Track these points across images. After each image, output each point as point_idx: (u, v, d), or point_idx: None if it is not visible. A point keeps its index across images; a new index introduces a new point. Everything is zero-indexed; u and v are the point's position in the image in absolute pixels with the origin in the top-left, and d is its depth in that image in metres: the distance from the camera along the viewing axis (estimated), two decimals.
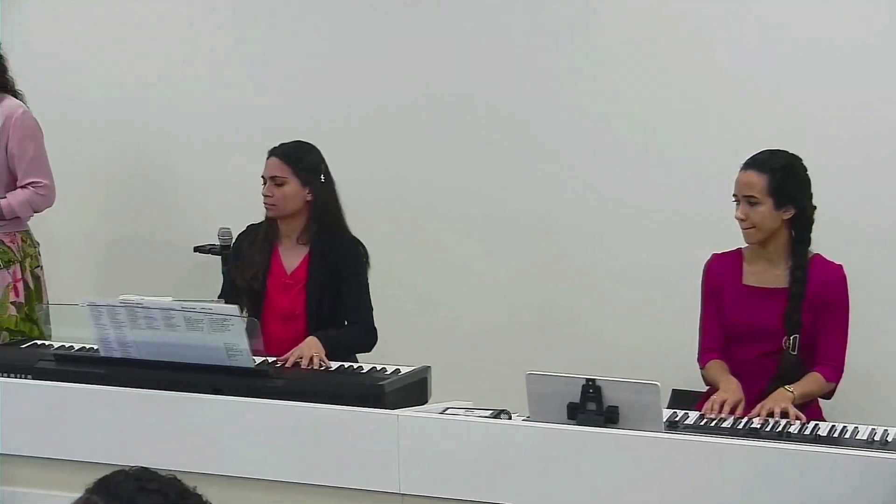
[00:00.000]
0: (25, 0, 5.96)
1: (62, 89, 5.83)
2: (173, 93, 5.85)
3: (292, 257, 4.56)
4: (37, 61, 5.61)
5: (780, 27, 4.99)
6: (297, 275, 4.53)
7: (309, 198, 4.52)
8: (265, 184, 4.52)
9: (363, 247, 4.58)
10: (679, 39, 5.13)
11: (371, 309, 4.54)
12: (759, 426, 3.60)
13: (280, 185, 4.48)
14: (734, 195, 4.04)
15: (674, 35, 5.14)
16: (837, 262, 4.07)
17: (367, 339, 4.50)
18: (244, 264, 4.56)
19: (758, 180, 3.98)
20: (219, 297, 4.63)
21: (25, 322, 4.92)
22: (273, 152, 4.55)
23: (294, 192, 4.50)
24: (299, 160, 4.52)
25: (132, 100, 5.91)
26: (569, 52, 5.29)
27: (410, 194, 5.54)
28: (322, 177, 4.55)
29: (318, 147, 4.62)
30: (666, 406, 3.81)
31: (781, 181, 3.98)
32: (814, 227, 4.06)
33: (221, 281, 4.77)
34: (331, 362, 4.15)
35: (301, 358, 4.14)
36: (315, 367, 4.10)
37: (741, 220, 4.01)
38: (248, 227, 4.68)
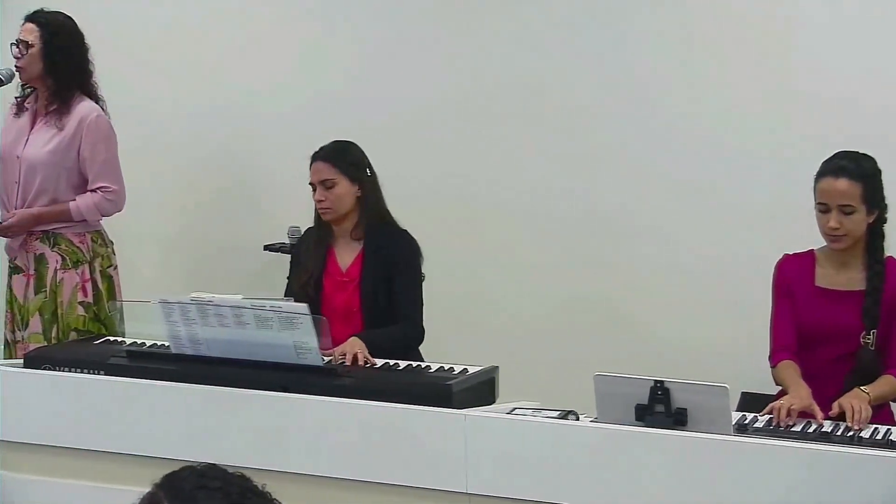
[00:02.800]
0: (105, 1, 6.04)
1: (137, 90, 5.89)
2: (245, 94, 5.90)
3: (347, 255, 4.57)
4: (113, 61, 5.66)
5: (857, 27, 4.94)
6: (352, 272, 4.54)
7: (359, 194, 4.53)
8: (314, 190, 4.53)
9: (414, 240, 4.56)
10: (751, 35, 5.11)
11: (421, 306, 4.52)
12: (829, 430, 3.56)
13: (330, 187, 4.49)
14: (822, 203, 3.93)
15: (744, 30, 5.11)
16: None
17: (413, 337, 4.49)
18: (300, 270, 4.59)
19: (853, 189, 3.90)
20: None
21: (94, 322, 4.96)
22: (316, 157, 4.55)
23: (345, 190, 4.50)
24: (343, 158, 4.53)
25: (205, 101, 5.97)
26: (629, 42, 5.28)
27: (480, 192, 5.54)
28: (367, 171, 4.56)
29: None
30: (735, 409, 3.78)
31: (873, 187, 3.93)
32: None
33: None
34: (375, 360, 4.15)
35: (344, 356, 4.14)
36: (360, 365, 4.10)
37: (834, 230, 3.92)
38: (306, 230, 4.70)
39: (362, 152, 4.60)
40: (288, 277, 4.76)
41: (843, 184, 3.91)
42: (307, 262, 4.58)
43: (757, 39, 5.10)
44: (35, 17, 4.95)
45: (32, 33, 4.92)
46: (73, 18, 5.01)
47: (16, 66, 4.93)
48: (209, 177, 6.04)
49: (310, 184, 4.54)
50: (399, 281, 4.50)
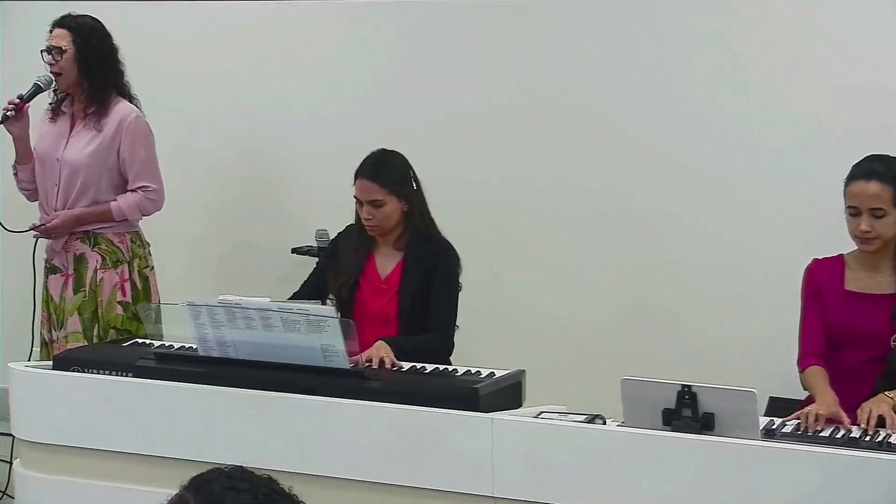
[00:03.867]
0: (139, 5, 6.07)
1: (169, 97, 5.91)
2: (273, 100, 5.91)
3: (387, 263, 4.57)
4: (149, 65, 5.70)
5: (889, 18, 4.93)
6: (392, 280, 4.54)
7: (405, 209, 4.53)
8: (361, 205, 4.50)
9: (455, 253, 4.57)
10: (786, 39, 5.09)
11: (454, 319, 4.52)
12: (857, 436, 3.54)
13: (379, 206, 4.47)
14: (853, 206, 3.94)
15: (781, 34, 5.10)
16: None
17: (442, 348, 4.46)
18: (338, 270, 4.58)
19: (884, 192, 3.90)
20: (302, 286, 4.66)
21: (132, 321, 4.98)
22: (362, 174, 4.50)
23: (393, 208, 4.49)
24: (389, 176, 4.49)
25: (235, 107, 5.98)
26: (661, 40, 5.27)
27: (504, 194, 5.54)
28: (413, 184, 4.55)
29: (406, 148, 4.61)
30: (763, 414, 3.77)
31: None
32: None
33: None
34: (402, 363, 4.15)
35: (370, 360, 4.14)
36: (387, 368, 4.11)
37: (866, 233, 3.92)
38: (347, 226, 4.70)
39: (406, 162, 4.57)
40: (319, 263, 4.76)
41: (874, 187, 3.91)
42: (346, 264, 4.57)
43: (790, 37, 5.07)
44: (64, 23, 4.98)
45: (64, 38, 4.95)
46: (100, 20, 5.04)
47: (51, 72, 4.96)
48: (238, 181, 6.06)
49: (355, 197, 4.51)
50: (435, 291, 4.50)
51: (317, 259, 5.12)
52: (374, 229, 4.52)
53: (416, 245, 4.53)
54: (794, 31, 5.08)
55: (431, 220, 4.60)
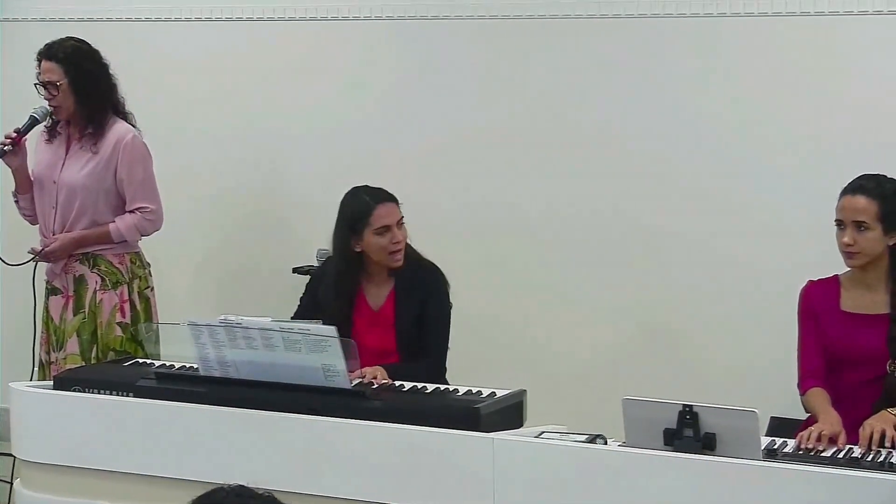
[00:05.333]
0: (140, 25, 6.09)
1: (170, 117, 5.93)
2: (274, 120, 5.92)
3: (378, 294, 4.53)
4: (151, 85, 5.72)
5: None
6: (385, 312, 4.51)
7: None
8: (385, 231, 4.41)
9: (443, 275, 4.53)
10: (792, 53, 5.11)
11: (446, 344, 4.50)
12: (860, 456, 3.54)
13: (401, 226, 4.45)
14: (839, 220, 4.00)
15: (787, 48, 5.11)
16: None
17: (434, 375, 4.41)
18: (324, 310, 4.42)
19: (869, 206, 3.94)
20: (300, 308, 4.63)
21: (131, 342, 4.98)
22: (384, 198, 4.46)
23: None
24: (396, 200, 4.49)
25: (236, 127, 5.99)
26: (665, 60, 5.28)
27: (507, 213, 5.54)
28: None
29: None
30: (765, 434, 3.76)
31: (893, 208, 3.94)
32: None
33: None
34: (404, 382, 4.15)
35: (364, 375, 4.13)
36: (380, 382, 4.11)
37: (848, 246, 3.96)
38: (321, 266, 4.63)
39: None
40: (301, 299, 4.71)
41: (859, 201, 3.96)
42: (333, 304, 4.47)
43: (798, 54, 5.09)
44: (50, 54, 4.94)
45: (55, 72, 4.92)
46: (84, 40, 5.02)
47: (50, 105, 4.96)
48: (238, 200, 6.06)
49: (382, 227, 4.42)
50: (429, 319, 4.49)
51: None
52: (401, 253, 4.45)
53: (404, 271, 4.49)
54: (803, 56, 5.08)
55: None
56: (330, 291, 4.52)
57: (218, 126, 6.02)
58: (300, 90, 5.88)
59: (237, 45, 5.99)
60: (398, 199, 4.50)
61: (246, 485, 2.11)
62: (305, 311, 4.57)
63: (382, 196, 4.48)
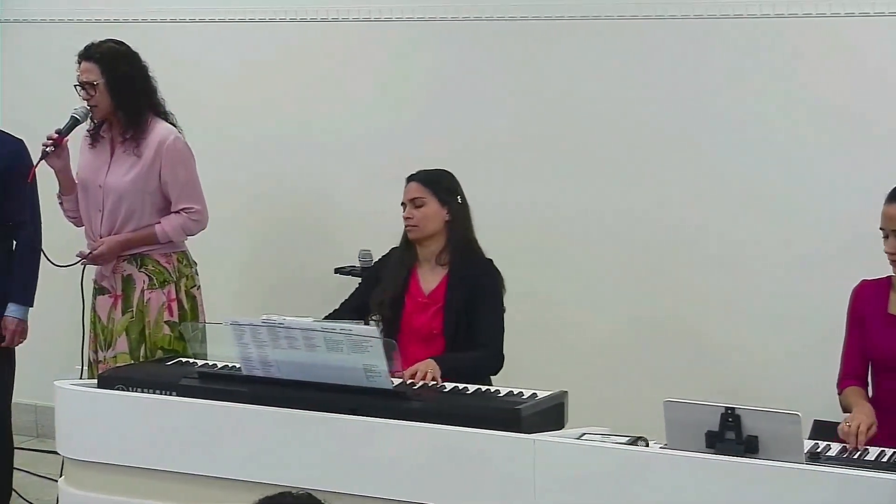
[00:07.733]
0: (180, 27, 6.13)
1: (216, 123, 5.98)
2: (317, 124, 5.96)
3: (431, 278, 4.63)
4: (191, 95, 5.75)
5: None
6: (435, 295, 4.59)
7: (447, 218, 4.62)
8: (405, 208, 4.62)
9: (500, 273, 4.62)
10: (822, 52, 5.10)
11: (502, 333, 4.56)
12: None
13: (420, 206, 4.60)
14: (882, 228, 3.99)
15: (816, 46, 5.10)
16: None
17: (493, 363, 4.52)
18: (380, 288, 4.66)
19: None
20: (342, 306, 4.72)
21: (179, 341, 5.00)
22: (412, 178, 4.68)
23: (434, 211, 4.60)
24: (437, 183, 4.65)
25: (280, 132, 6.03)
26: (701, 63, 5.28)
27: (547, 216, 5.55)
28: (459, 198, 4.66)
29: (455, 171, 4.70)
30: (807, 437, 3.74)
31: None
32: None
33: None
34: (445, 383, 4.17)
35: (414, 375, 4.17)
36: (428, 382, 4.14)
37: (890, 255, 3.96)
38: (390, 250, 4.76)
39: (457, 182, 4.72)
40: (360, 284, 4.84)
41: None
42: (388, 281, 4.64)
43: (826, 62, 5.08)
44: (89, 55, 4.97)
45: (93, 72, 4.96)
46: (123, 41, 5.05)
47: (89, 105, 5.00)
48: (282, 201, 6.09)
49: (402, 203, 4.65)
50: (482, 309, 4.54)
51: (359, 279, 5.14)
52: (412, 229, 4.61)
53: (460, 261, 4.60)
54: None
55: (475, 240, 4.68)
56: (390, 270, 4.69)
57: (262, 132, 6.08)
58: (341, 94, 5.91)
59: (279, 49, 6.02)
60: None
61: (285, 485, 2.12)
62: (367, 284, 4.81)
63: (415, 175, 4.69)
